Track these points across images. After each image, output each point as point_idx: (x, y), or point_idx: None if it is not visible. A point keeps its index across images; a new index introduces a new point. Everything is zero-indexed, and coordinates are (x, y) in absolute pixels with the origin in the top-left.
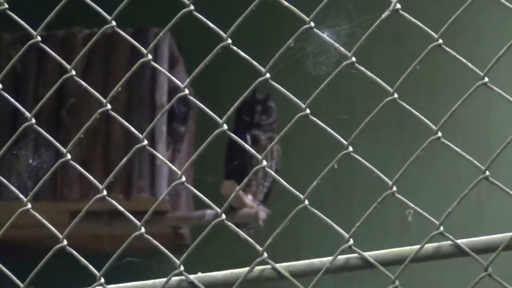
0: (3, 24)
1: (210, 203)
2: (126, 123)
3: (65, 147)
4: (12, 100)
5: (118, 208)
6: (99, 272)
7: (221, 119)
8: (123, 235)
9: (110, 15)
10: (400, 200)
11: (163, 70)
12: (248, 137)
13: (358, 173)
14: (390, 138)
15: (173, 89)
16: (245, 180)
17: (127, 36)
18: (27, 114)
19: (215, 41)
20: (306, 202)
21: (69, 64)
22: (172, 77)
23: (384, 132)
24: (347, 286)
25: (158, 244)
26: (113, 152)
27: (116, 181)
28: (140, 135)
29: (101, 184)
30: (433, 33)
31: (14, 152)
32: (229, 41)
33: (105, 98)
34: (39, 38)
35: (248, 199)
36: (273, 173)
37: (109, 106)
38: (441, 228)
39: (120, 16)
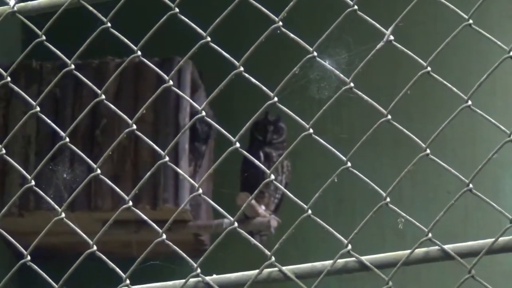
0: (46, 54)
1: (225, 213)
2: (150, 142)
3: (97, 163)
4: (48, 121)
5: (147, 217)
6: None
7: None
8: (149, 242)
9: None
10: (395, 211)
11: (183, 94)
12: (261, 154)
13: (359, 186)
14: (387, 155)
15: (195, 112)
16: (256, 191)
17: (152, 65)
18: (62, 133)
19: (231, 69)
20: (310, 211)
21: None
22: (191, 101)
23: (382, 149)
24: (350, 286)
25: (178, 249)
26: (141, 168)
27: (144, 193)
28: (162, 152)
29: (133, 196)
30: (422, 62)
31: (51, 167)
32: (241, 68)
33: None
34: (72, 66)
35: (261, 209)
36: (280, 186)
37: (134, 127)
38: (430, 235)
39: (149, 47)
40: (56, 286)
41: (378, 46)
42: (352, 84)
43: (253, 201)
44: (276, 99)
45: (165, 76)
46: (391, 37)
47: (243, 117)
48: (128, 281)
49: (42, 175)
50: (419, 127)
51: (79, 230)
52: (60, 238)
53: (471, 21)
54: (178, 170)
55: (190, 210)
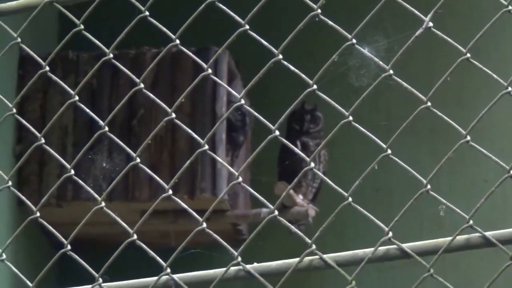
0: (82, 45)
1: (265, 201)
2: (189, 130)
3: (135, 153)
4: (87, 110)
5: (182, 207)
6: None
7: (273, 126)
8: (188, 231)
9: (165, 37)
10: (434, 198)
11: (222, 83)
12: (298, 143)
13: (397, 175)
14: (425, 143)
15: (232, 102)
16: (295, 180)
17: (189, 53)
18: (101, 122)
19: (268, 58)
20: (350, 199)
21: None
22: (230, 89)
23: (419, 138)
24: (388, 275)
25: (218, 238)
26: (178, 158)
27: (182, 183)
28: (201, 140)
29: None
30: (461, 48)
31: (89, 157)
32: (280, 56)
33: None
34: (111, 55)
35: (299, 198)
36: (320, 174)
37: (173, 115)
38: (471, 222)
39: (185, 36)
40: (97, 275)
41: (417, 33)
42: (391, 71)
43: (291, 191)
44: (315, 86)
45: (203, 64)
46: (430, 24)
47: (279, 106)
48: (168, 270)
49: (81, 165)
50: (456, 115)
51: (119, 219)
52: (97, 228)
53: (510, 7)
54: (217, 158)
55: (228, 199)
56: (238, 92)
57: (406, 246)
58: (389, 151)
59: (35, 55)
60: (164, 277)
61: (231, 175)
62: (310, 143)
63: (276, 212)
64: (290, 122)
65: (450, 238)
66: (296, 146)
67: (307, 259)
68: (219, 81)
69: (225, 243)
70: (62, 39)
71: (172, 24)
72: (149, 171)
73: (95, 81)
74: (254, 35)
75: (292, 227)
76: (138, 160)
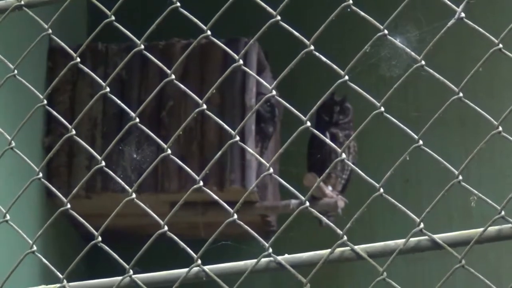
0: (111, 36)
1: (296, 192)
2: (220, 121)
3: (165, 144)
4: (118, 101)
5: (212, 198)
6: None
7: (304, 117)
8: (217, 223)
9: (195, 28)
10: (463, 189)
11: (253, 74)
12: (328, 134)
13: (426, 166)
14: (454, 134)
15: (261, 93)
16: (326, 171)
17: (220, 43)
18: (132, 114)
19: (298, 49)
20: (381, 190)
21: (166, 73)
22: (261, 80)
23: (448, 129)
24: (417, 267)
25: (249, 229)
26: (208, 149)
27: (211, 175)
28: (232, 132)
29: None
30: (494, 38)
31: (120, 148)
32: (312, 47)
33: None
34: (142, 46)
35: (328, 190)
36: (351, 164)
37: (204, 106)
38: (503, 213)
39: (214, 28)
40: (128, 266)
41: (449, 23)
42: (423, 62)
43: (321, 182)
44: (347, 77)
45: (234, 55)
46: (462, 14)
47: (307, 97)
48: (199, 261)
49: (111, 157)
50: (487, 106)
51: (149, 211)
52: (127, 220)
53: None
54: (248, 149)
55: (257, 191)
56: (268, 83)
57: (437, 237)
58: (421, 142)
59: (66, 47)
60: (195, 269)
61: (261, 166)
62: (339, 134)
63: (308, 203)
64: (320, 113)
65: (481, 229)
66: (325, 137)
67: (338, 250)
68: (250, 72)
69: (256, 234)
70: (91, 31)
71: (201, 15)
72: (180, 162)
73: (125, 72)
74: (286, 26)
75: (324, 218)
76: (169, 151)
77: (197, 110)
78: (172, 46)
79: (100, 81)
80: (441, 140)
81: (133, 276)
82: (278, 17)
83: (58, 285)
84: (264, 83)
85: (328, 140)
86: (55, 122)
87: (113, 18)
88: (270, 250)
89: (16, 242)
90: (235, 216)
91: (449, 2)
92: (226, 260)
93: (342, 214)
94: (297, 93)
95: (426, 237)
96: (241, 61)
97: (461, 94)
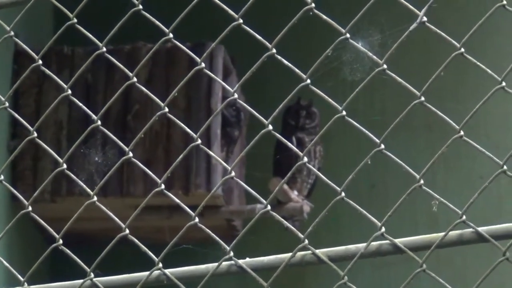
0: (77, 39)
1: (258, 196)
2: (183, 125)
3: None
4: (80, 104)
5: (176, 202)
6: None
7: (273, 123)
8: (182, 227)
9: (160, 32)
10: (428, 194)
11: (216, 78)
12: (294, 139)
13: (392, 171)
14: (420, 139)
15: (227, 97)
16: (288, 175)
17: (183, 47)
18: (94, 116)
19: (264, 53)
20: (343, 194)
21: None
22: (224, 84)
23: (414, 133)
24: (382, 272)
25: (211, 232)
26: (173, 153)
27: (176, 179)
28: (194, 135)
29: (165, 181)
30: (456, 43)
31: (82, 151)
32: (274, 50)
33: (166, 106)
34: (104, 49)
35: (294, 194)
36: (314, 169)
37: (166, 109)
38: (464, 217)
39: (181, 32)
40: (88, 269)
41: (411, 27)
42: (385, 66)
43: (286, 186)
44: (309, 81)
45: (197, 58)
46: (424, 19)
47: (274, 102)
48: (160, 265)
49: (74, 160)
50: (451, 110)
51: (111, 214)
52: (92, 223)
53: (505, 2)
54: (210, 152)
55: (222, 195)
56: (233, 87)
57: (399, 241)
58: (382, 146)
59: (28, 49)
60: (156, 272)
61: (226, 170)
62: (305, 139)
63: (269, 207)
64: (286, 117)
65: (442, 233)
66: (291, 142)
67: (300, 254)
68: (213, 76)
69: (217, 238)
70: (57, 34)
71: (169, 19)
72: (142, 166)
73: (90, 76)
74: (248, 29)
75: (285, 222)
76: (131, 154)
77: (159, 113)
78: (138, 50)
79: (63, 84)
80: (407, 145)
81: (94, 279)
82: (240, 21)
83: None
84: (227, 87)
85: (291, 145)
86: (21, 126)
87: (75, 20)
88: (232, 253)
89: None
90: (196, 219)
91: (411, 6)
92: (191, 264)
93: (308, 219)
94: (265, 97)
95: (388, 241)
96: (203, 65)
97: (422, 98)
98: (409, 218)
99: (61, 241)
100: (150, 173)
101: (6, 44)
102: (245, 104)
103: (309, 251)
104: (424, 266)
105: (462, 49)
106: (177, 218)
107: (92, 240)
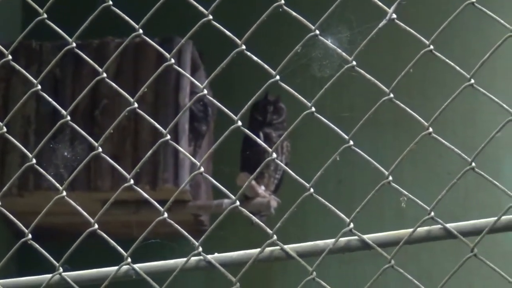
0: (45, 33)
1: (227, 191)
2: (152, 120)
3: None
4: (49, 99)
5: (144, 197)
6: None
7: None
8: (149, 222)
9: (129, 27)
10: (396, 190)
11: (185, 73)
12: (261, 134)
13: (359, 167)
14: (388, 135)
15: (195, 92)
16: (257, 170)
17: (153, 43)
18: (63, 112)
19: (233, 49)
20: (312, 190)
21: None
22: (193, 79)
23: (382, 129)
24: (350, 268)
25: (179, 228)
26: (141, 148)
27: (144, 174)
28: (163, 130)
29: (133, 176)
30: (425, 40)
31: (51, 145)
32: (243, 47)
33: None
34: (74, 44)
35: (261, 189)
36: (283, 164)
37: (136, 105)
38: (432, 213)
39: (149, 27)
40: (57, 264)
41: (381, 24)
42: (354, 63)
43: (253, 182)
44: (278, 77)
45: (166, 54)
46: (394, 16)
47: (242, 97)
48: (129, 260)
49: (43, 154)
50: (420, 107)
51: (80, 209)
52: (60, 218)
53: (474, 0)
54: (180, 148)
55: (189, 190)
56: (202, 83)
57: (367, 237)
58: (351, 143)
59: None
60: (125, 267)
61: (194, 165)
62: (273, 134)
63: (238, 203)
64: (253, 113)
65: (411, 229)
66: (258, 137)
67: (268, 249)
68: (182, 71)
69: (186, 233)
70: (25, 28)
71: (137, 15)
72: (111, 160)
73: (58, 70)
74: (217, 25)
75: (254, 217)
76: (100, 149)
77: (128, 108)
78: (106, 44)
79: (32, 78)
80: (375, 141)
81: (63, 273)
82: (210, 17)
83: None
84: (196, 82)
85: (259, 140)
86: None
87: (45, 16)
88: (200, 249)
89: None
90: (165, 214)
91: (380, 3)
92: (160, 259)
93: (275, 214)
94: (233, 93)
95: (356, 237)
96: (172, 60)
97: (391, 95)
98: (377, 214)
99: (30, 236)
100: (119, 168)
101: None
102: (214, 100)
103: (278, 247)
104: (393, 262)
105: (431, 46)
106: (144, 213)
107: (59, 235)
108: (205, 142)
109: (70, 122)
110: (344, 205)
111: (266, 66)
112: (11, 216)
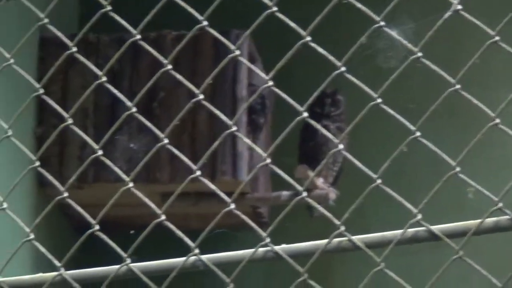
0: (101, 27)
1: (294, 183)
2: (217, 111)
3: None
4: (115, 90)
5: (205, 189)
6: None
7: (295, 109)
8: (208, 214)
9: (185, 20)
10: (455, 181)
11: (250, 65)
12: (319, 126)
13: (419, 157)
14: (449, 126)
15: (252, 84)
16: (323, 162)
17: (217, 34)
18: (129, 103)
19: (290, 40)
20: (379, 180)
21: (157, 63)
22: (258, 71)
23: (443, 120)
24: (414, 259)
25: (247, 219)
26: (199, 140)
27: (202, 166)
28: (230, 122)
29: (191, 168)
30: (490, 31)
31: (116, 137)
32: (309, 38)
33: (190, 93)
34: (138, 37)
35: (320, 181)
36: (350, 156)
37: (201, 96)
38: (500, 204)
39: (206, 19)
40: (125, 255)
41: (446, 15)
42: (420, 54)
43: (312, 174)
44: (343, 68)
45: (231, 45)
46: (459, 7)
47: (301, 89)
48: (197, 250)
49: (103, 147)
50: (480, 97)
51: (147, 200)
52: (119, 210)
53: None
54: (245, 138)
55: (248, 182)
56: (259, 75)
57: (434, 228)
58: (418, 133)
59: (63, 37)
60: (192, 258)
61: (252, 157)
62: (331, 127)
63: (305, 194)
64: (311, 105)
65: (479, 220)
66: (317, 129)
67: (336, 240)
68: (247, 62)
69: (253, 224)
70: (83, 21)
71: (192, 6)
72: (177, 152)
73: (116, 63)
74: (282, 16)
75: (321, 208)
76: (166, 140)
77: (193, 100)
78: (163, 37)
79: (97, 70)
80: (436, 132)
81: (130, 264)
82: (275, 8)
83: (56, 273)
84: (262, 74)
85: (326, 131)
86: (48, 112)
87: (109, 8)
88: (268, 239)
89: (9, 230)
90: (233, 205)
91: None
92: (219, 250)
93: (334, 207)
94: (290, 84)
95: (424, 228)
96: (238, 52)
97: (458, 86)
98: (439, 205)
99: (97, 227)
100: (186, 159)
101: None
102: (280, 92)
103: (345, 238)
104: (461, 252)
105: (497, 37)
106: (204, 204)
107: (116, 227)
108: (263, 134)
109: (136, 114)
110: (404, 196)
111: (331, 57)
112: (80, 208)
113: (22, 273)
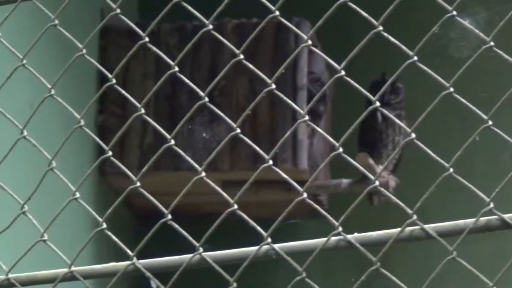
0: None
1: (367, 172)
2: (289, 101)
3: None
4: (187, 81)
5: (265, 177)
6: None
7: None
8: (268, 202)
9: (245, 8)
10: None
11: (321, 53)
12: (379, 114)
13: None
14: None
15: (311, 73)
16: (394, 153)
17: (289, 24)
18: (201, 93)
19: (350, 30)
20: (451, 170)
21: (217, 52)
22: (329, 59)
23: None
24: (493, 244)
25: (318, 207)
26: (260, 129)
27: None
28: (301, 111)
29: (251, 156)
30: None
31: (190, 127)
32: (381, 28)
33: (250, 82)
34: (210, 27)
35: (380, 169)
36: (421, 144)
37: (273, 86)
38: None
39: (262, 8)
40: (197, 244)
41: None
42: (492, 43)
43: (372, 162)
44: (416, 58)
45: (303, 35)
46: None
47: (363, 77)
48: (269, 239)
49: (162, 136)
50: None
51: (218, 188)
52: (183, 199)
53: None
54: (318, 129)
55: (308, 170)
56: (319, 63)
57: (507, 217)
58: (490, 122)
59: (134, 26)
60: (265, 247)
61: (312, 145)
62: (390, 114)
63: (377, 183)
64: (370, 93)
65: None
66: (376, 117)
67: (408, 229)
68: (319, 52)
69: (325, 213)
70: (142, 9)
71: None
72: (249, 141)
73: (177, 52)
74: (353, 6)
75: (393, 197)
76: (238, 130)
77: (266, 89)
78: (223, 26)
79: (169, 60)
80: (506, 121)
81: (203, 254)
82: None
83: (128, 262)
84: (333, 63)
85: (398, 120)
86: (108, 101)
87: None
88: (340, 228)
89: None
90: (305, 195)
91: None
92: (285, 240)
93: (393, 194)
94: (350, 73)
95: (496, 216)
96: (310, 42)
97: None
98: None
99: (170, 216)
100: (258, 149)
101: (91, 19)
102: (352, 82)
103: (418, 227)
104: None
105: None
106: (264, 193)
107: (180, 216)
108: (323, 122)
109: (209, 104)
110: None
111: (403, 46)
112: (151, 197)
113: (86, 264)
